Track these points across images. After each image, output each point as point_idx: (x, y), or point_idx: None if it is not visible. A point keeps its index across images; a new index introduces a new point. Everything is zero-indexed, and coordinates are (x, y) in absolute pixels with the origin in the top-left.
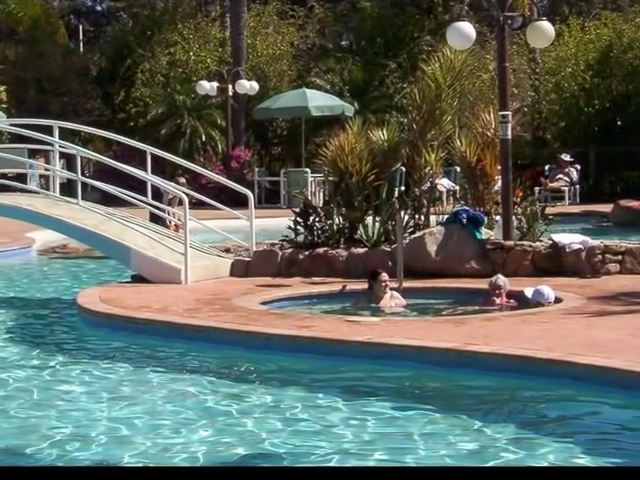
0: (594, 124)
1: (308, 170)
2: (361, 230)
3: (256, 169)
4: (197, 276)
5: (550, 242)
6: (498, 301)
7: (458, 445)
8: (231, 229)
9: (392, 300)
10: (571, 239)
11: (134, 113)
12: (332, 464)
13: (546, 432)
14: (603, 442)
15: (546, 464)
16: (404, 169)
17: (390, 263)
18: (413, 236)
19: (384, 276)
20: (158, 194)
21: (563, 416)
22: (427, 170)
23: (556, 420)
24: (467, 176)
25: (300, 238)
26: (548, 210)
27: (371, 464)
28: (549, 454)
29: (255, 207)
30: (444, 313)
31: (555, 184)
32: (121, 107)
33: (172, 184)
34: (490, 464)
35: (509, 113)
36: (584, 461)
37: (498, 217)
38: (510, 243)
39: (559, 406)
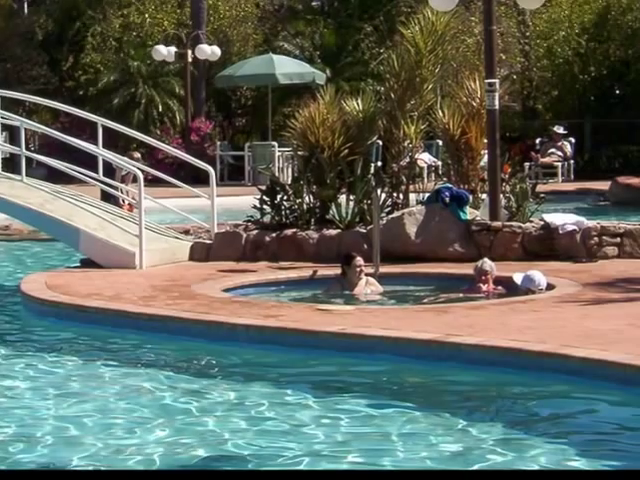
0: (590, 93)
1: (275, 144)
2: (334, 210)
3: (218, 143)
4: (153, 260)
5: (542, 223)
6: (484, 288)
7: (440, 446)
8: (191, 209)
9: (368, 287)
10: (565, 220)
11: (84, 81)
12: (302, 467)
13: (537, 432)
14: (599, 443)
15: (537, 467)
16: (381, 143)
17: (365, 246)
18: (391, 216)
19: (359, 260)
20: (110, 170)
21: (556, 414)
22: (406, 144)
23: (548, 419)
24: (450, 150)
25: (266, 219)
26: (539, 188)
27: (345, 467)
28: (540, 456)
29: (217, 184)
30: (425, 301)
31: (547, 159)
32: (69, 74)
33: (126, 159)
34: (475, 467)
35: (496, 81)
36: (579, 463)
37: (484, 195)
38: (497, 224)
39: (551, 403)
